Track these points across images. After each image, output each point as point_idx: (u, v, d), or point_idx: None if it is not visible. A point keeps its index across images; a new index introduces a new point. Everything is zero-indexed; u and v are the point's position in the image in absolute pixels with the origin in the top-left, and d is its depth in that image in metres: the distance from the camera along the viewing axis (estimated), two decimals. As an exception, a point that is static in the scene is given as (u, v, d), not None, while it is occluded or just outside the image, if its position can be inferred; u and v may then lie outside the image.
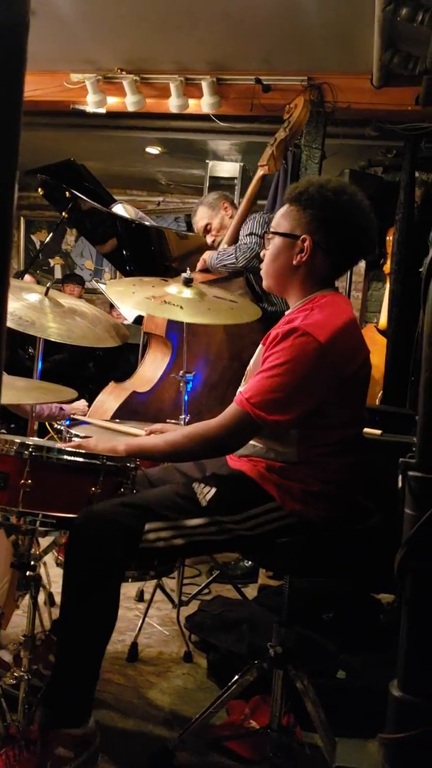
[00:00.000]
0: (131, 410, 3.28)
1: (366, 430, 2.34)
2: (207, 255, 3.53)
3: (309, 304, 1.75)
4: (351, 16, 3.49)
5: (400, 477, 0.85)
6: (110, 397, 3.42)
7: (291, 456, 1.70)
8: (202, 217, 3.66)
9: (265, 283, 1.91)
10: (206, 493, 1.71)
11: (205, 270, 3.53)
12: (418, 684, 0.79)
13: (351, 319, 1.74)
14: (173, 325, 3.34)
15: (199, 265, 3.56)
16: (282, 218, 1.84)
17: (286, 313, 1.86)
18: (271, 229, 1.85)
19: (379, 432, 2.68)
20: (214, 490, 1.71)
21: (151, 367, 3.52)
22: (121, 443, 1.80)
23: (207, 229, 3.66)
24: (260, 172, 3.51)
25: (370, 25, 3.36)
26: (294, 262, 1.79)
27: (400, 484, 0.84)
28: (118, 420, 2.76)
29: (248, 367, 1.93)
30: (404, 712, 0.78)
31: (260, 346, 1.83)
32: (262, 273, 1.89)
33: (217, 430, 1.69)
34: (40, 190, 4.53)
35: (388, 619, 2.37)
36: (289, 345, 1.63)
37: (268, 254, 1.86)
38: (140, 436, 2.39)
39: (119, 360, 4.90)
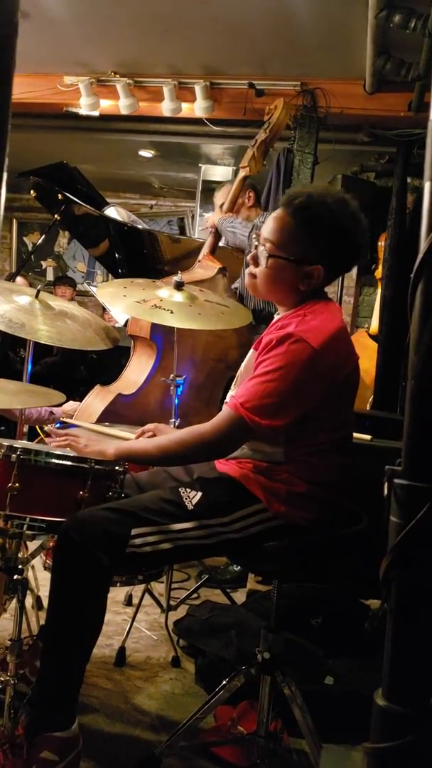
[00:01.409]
0: (116, 413, 3.27)
1: (356, 435, 2.34)
2: (216, 217, 3.53)
3: (302, 311, 1.74)
4: (344, 21, 3.50)
5: (385, 484, 0.84)
6: (96, 400, 3.42)
7: (278, 456, 1.71)
8: (225, 195, 3.69)
9: (254, 293, 1.86)
10: (193, 497, 1.71)
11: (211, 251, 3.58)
12: (403, 693, 0.79)
13: (342, 326, 1.75)
14: (157, 328, 3.34)
15: (208, 222, 3.61)
16: (286, 235, 1.73)
17: (276, 316, 1.85)
18: (273, 250, 1.74)
19: (369, 437, 2.69)
20: (200, 494, 1.72)
21: (137, 370, 3.53)
22: (110, 446, 1.80)
23: (210, 231, 3.69)
24: (242, 174, 3.53)
25: (363, 31, 3.38)
26: (301, 288, 1.75)
27: (385, 492, 0.84)
28: (107, 423, 2.75)
29: (239, 371, 1.93)
30: (389, 722, 0.78)
31: (252, 350, 1.83)
32: (257, 285, 1.82)
33: (211, 434, 1.69)
34: (32, 192, 4.53)
35: (373, 626, 2.37)
36: (284, 351, 1.63)
37: (267, 274, 1.76)
38: (129, 439, 2.39)
39: (110, 363, 4.89)
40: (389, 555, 0.80)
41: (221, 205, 3.72)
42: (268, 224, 1.78)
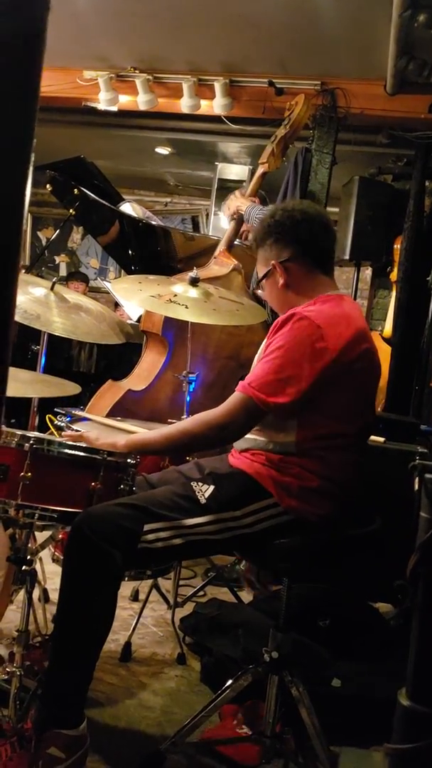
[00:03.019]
0: (126, 408, 3.27)
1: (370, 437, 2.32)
2: (243, 203, 3.48)
3: (312, 302, 1.80)
4: (367, 21, 3.48)
5: (416, 480, 0.82)
6: (106, 395, 3.41)
7: (290, 446, 1.71)
8: (232, 206, 3.67)
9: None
10: (205, 490, 1.71)
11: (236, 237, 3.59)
12: (428, 693, 0.77)
13: (351, 313, 1.78)
14: (170, 324, 3.33)
15: (232, 208, 3.56)
16: (259, 265, 1.95)
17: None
18: (258, 283, 1.97)
19: (382, 440, 2.66)
20: (212, 487, 1.72)
21: (148, 366, 3.52)
22: (121, 438, 1.80)
23: (233, 217, 3.67)
24: (260, 170, 3.50)
25: (386, 30, 3.36)
26: (280, 287, 1.88)
27: (416, 487, 0.82)
28: (118, 418, 2.74)
29: (254, 363, 1.93)
30: (412, 723, 0.76)
31: (265, 340, 1.84)
32: (275, 310, 1.96)
33: (220, 416, 1.71)
34: (48, 186, 4.52)
35: (399, 624, 2.34)
36: (288, 329, 1.70)
37: (268, 297, 1.97)
38: (136, 431, 2.37)
39: (122, 358, 4.87)
40: (418, 551, 0.78)
41: (233, 214, 3.69)
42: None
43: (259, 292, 2.07)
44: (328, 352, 1.66)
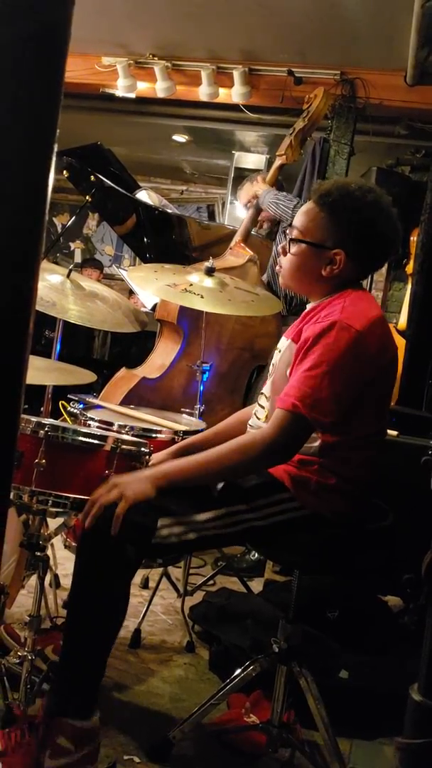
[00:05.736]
0: (140, 396, 3.28)
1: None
2: (260, 188, 3.49)
3: (340, 298, 1.71)
4: (389, 11, 3.46)
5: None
6: (120, 383, 3.43)
7: (313, 449, 1.68)
8: (248, 192, 3.68)
9: (282, 283, 1.87)
10: (217, 483, 1.70)
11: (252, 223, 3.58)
12: (441, 689, 0.77)
13: (382, 315, 1.74)
14: (185, 313, 3.33)
15: (249, 193, 3.57)
16: (309, 222, 1.76)
17: (309, 306, 1.82)
18: (298, 236, 1.76)
19: (395, 433, 2.66)
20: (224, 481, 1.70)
21: (162, 354, 3.53)
22: (145, 481, 1.63)
23: (248, 206, 3.68)
24: (278, 162, 3.50)
25: (408, 21, 3.33)
26: (323, 273, 1.74)
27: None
28: (131, 406, 2.75)
29: (272, 362, 1.88)
30: (424, 718, 0.76)
31: (287, 340, 1.79)
32: (282, 274, 1.83)
33: (273, 436, 1.61)
34: (65, 172, 4.51)
35: (413, 620, 2.34)
36: (333, 340, 1.60)
37: (293, 260, 1.78)
38: (151, 421, 2.37)
39: (136, 346, 4.88)
40: (434, 547, 0.78)
41: (247, 203, 3.69)
42: (298, 213, 1.81)
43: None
44: (369, 360, 1.64)
